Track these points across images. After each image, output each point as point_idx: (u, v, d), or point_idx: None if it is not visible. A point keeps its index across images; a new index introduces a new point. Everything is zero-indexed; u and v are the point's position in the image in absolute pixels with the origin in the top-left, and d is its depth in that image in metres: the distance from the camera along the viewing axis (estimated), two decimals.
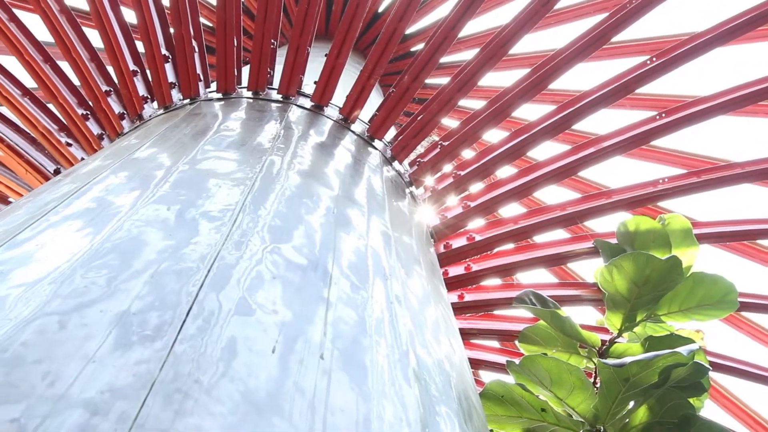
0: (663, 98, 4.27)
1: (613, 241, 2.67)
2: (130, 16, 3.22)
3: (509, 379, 2.12)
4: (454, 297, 3.30)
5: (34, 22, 3.27)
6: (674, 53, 2.96)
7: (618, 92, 3.03)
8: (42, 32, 3.23)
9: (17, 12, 3.20)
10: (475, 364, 3.64)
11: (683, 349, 1.78)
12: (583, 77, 4.12)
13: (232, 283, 1.22)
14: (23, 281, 1.12)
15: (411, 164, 3.12)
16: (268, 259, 1.38)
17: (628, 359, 1.80)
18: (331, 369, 1.11)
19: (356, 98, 2.91)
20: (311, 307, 1.29)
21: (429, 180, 3.12)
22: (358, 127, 2.95)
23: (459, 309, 3.32)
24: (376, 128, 2.97)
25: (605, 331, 2.47)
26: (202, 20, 3.20)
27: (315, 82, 2.92)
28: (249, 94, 2.89)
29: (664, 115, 3.11)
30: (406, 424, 1.13)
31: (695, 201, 3.31)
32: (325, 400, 1.02)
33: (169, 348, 0.98)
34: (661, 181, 3.22)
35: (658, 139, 3.20)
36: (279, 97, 2.88)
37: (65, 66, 3.23)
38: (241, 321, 1.11)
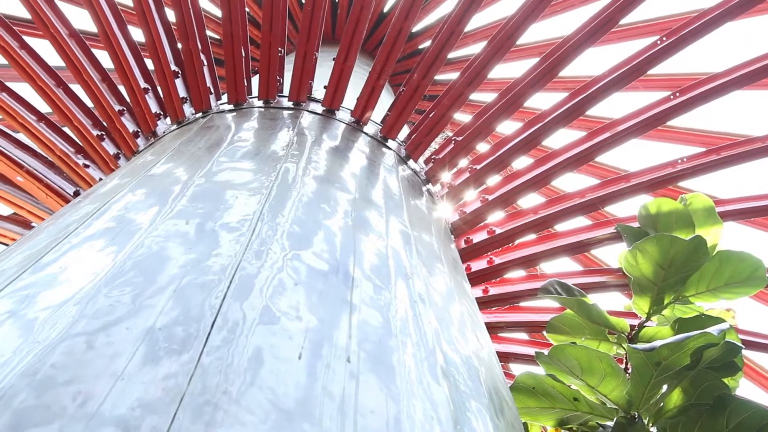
0: (676, 77, 4.22)
1: (636, 224, 2.65)
2: (137, 34, 3.24)
3: (540, 370, 2.11)
4: (478, 292, 3.29)
5: (44, 48, 3.31)
6: (684, 31, 2.92)
7: (630, 75, 3.00)
8: (53, 57, 3.27)
9: (27, 39, 3.24)
10: (505, 357, 3.62)
11: (714, 329, 1.76)
12: (594, 62, 4.08)
13: (255, 293, 1.22)
14: (49, 304, 1.13)
15: (426, 162, 3.12)
16: (289, 266, 1.38)
17: (658, 343, 1.78)
18: (358, 371, 1.11)
19: (367, 100, 2.92)
20: (335, 311, 1.29)
21: (445, 176, 3.11)
22: (370, 128, 2.95)
23: (484, 303, 3.31)
24: (389, 128, 2.97)
25: (634, 316, 2.44)
26: (209, 33, 3.22)
27: (325, 87, 2.92)
28: (260, 103, 2.90)
29: (678, 94, 3.07)
30: (436, 421, 1.13)
31: (716, 178, 3.27)
32: (354, 403, 1.02)
33: (196, 361, 0.98)
34: (680, 161, 3.18)
35: (674, 119, 3.16)
36: (290, 104, 2.89)
37: (78, 89, 3.26)
38: (266, 329, 1.12)
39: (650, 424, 1.92)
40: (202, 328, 1.07)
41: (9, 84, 3.23)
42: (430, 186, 2.98)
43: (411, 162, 2.98)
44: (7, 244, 3.93)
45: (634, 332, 2.25)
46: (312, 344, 1.13)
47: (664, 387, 1.87)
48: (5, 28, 3.16)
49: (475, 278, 3.22)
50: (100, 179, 3.04)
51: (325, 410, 0.98)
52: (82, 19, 4.32)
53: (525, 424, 2.17)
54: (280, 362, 1.04)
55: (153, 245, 1.37)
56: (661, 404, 1.89)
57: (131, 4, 3.11)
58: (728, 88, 3.00)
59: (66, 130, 3.25)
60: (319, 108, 2.89)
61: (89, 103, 3.24)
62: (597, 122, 4.31)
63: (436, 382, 1.26)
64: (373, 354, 1.19)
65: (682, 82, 3.85)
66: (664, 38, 2.97)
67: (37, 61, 3.20)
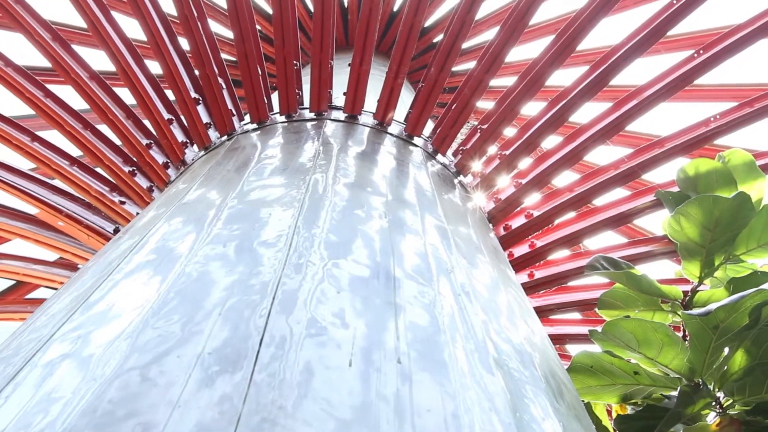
0: (698, 35, 4.14)
1: (676, 189, 2.59)
2: (155, 67, 3.29)
3: (596, 348, 2.08)
4: (524, 277, 3.25)
5: (67, 93, 3.38)
6: None
7: (650, 38, 2.95)
8: (77, 101, 3.33)
9: (50, 86, 3.30)
10: (559, 339, 3.58)
11: None
12: (612, 31, 4.02)
13: (299, 306, 1.23)
14: (101, 341, 1.15)
15: (454, 154, 3.10)
16: (330, 275, 1.39)
17: (713, 306, 1.74)
18: (410, 372, 1.11)
19: (387, 100, 2.91)
20: (381, 314, 1.29)
21: (476, 165, 3.08)
22: (394, 128, 2.94)
23: (531, 288, 3.27)
24: (413, 126, 2.96)
25: (685, 282, 2.39)
26: (224, 56, 3.25)
27: (344, 94, 2.93)
28: (282, 118, 2.92)
29: (702, 51, 3.01)
30: (494, 412, 1.12)
31: (753, 132, 3.19)
32: (410, 404, 1.02)
33: (248, 380, 0.99)
34: (713, 118, 3.11)
35: (701, 77, 3.09)
36: (312, 115, 2.90)
37: (104, 128, 3.32)
38: (314, 341, 1.12)
39: (716, 390, 1.87)
40: (250, 346, 1.07)
41: (39, 133, 3.31)
42: (461, 178, 2.97)
43: (439, 156, 2.96)
44: (57, 289, 4.01)
45: (687, 298, 2.20)
46: (361, 350, 1.13)
47: (726, 350, 1.83)
48: (28, 80, 3.23)
49: (518, 264, 3.19)
50: (137, 213, 3.09)
51: (381, 414, 0.97)
52: (100, 60, 4.40)
53: (588, 404, 2.14)
54: (332, 371, 1.05)
55: (194, 272, 1.38)
56: (725, 368, 1.85)
57: (145, 38, 3.16)
58: (753, 38, 2.93)
59: (98, 170, 3.31)
60: (341, 115, 2.90)
61: (117, 141, 3.30)
62: (622, 91, 4.23)
63: (490, 373, 1.25)
64: (423, 353, 1.19)
65: (705, 38, 3.77)
66: None
67: (63, 107, 3.26)
